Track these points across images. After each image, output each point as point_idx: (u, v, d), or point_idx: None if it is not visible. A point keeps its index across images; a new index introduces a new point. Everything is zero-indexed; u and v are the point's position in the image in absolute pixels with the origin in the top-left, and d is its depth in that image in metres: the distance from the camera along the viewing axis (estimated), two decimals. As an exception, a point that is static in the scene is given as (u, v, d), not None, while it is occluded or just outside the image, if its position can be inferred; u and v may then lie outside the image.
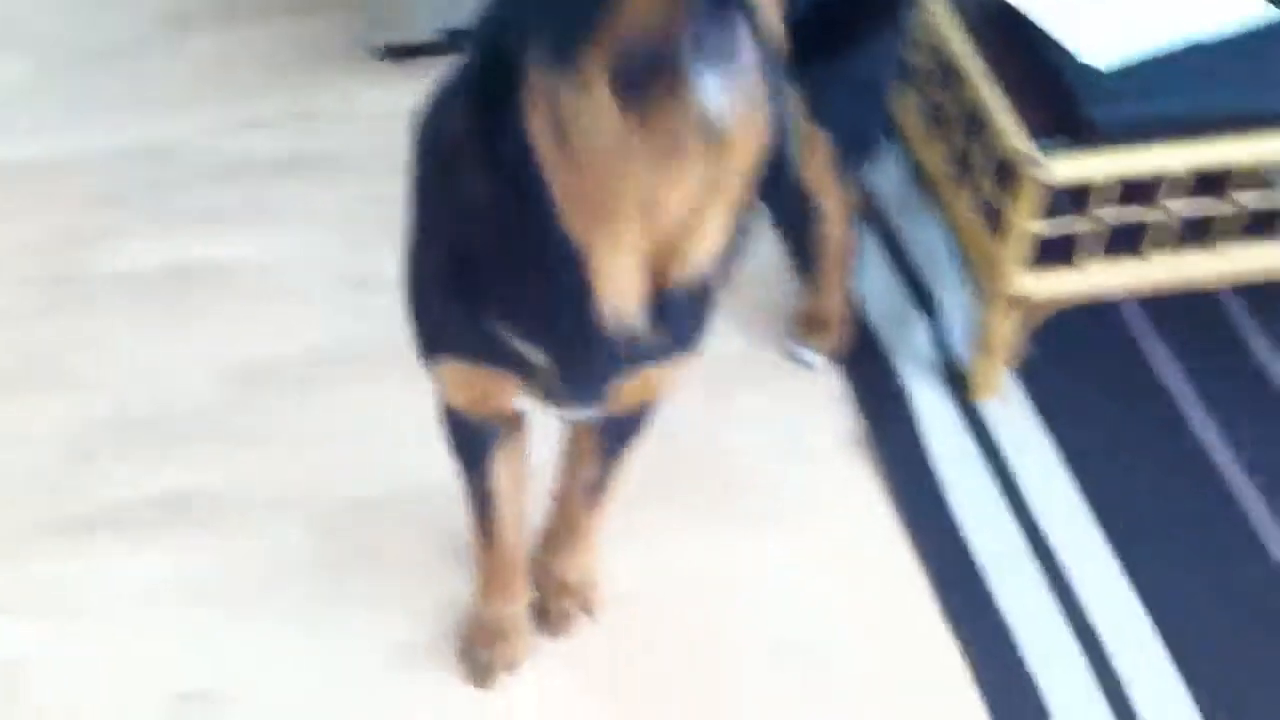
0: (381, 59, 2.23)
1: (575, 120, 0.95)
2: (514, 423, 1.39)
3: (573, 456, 1.49)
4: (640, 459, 1.47)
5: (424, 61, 2.20)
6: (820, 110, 1.58)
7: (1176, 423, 1.78)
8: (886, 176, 2.04)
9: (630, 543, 1.62)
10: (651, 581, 1.62)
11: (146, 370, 1.83)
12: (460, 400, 1.32)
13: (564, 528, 1.57)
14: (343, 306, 1.89)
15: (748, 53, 0.90)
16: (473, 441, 1.40)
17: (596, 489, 1.49)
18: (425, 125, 1.18)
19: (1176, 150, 1.56)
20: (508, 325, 1.16)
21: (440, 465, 1.61)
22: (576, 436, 1.47)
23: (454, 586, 1.62)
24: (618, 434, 1.42)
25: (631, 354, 1.13)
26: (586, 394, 1.22)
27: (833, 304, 1.84)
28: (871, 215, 1.99)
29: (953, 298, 1.89)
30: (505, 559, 1.52)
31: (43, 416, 1.77)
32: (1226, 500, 1.71)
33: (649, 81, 0.90)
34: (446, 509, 1.64)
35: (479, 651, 1.55)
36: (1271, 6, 1.65)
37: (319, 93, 2.20)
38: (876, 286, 1.92)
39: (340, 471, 1.72)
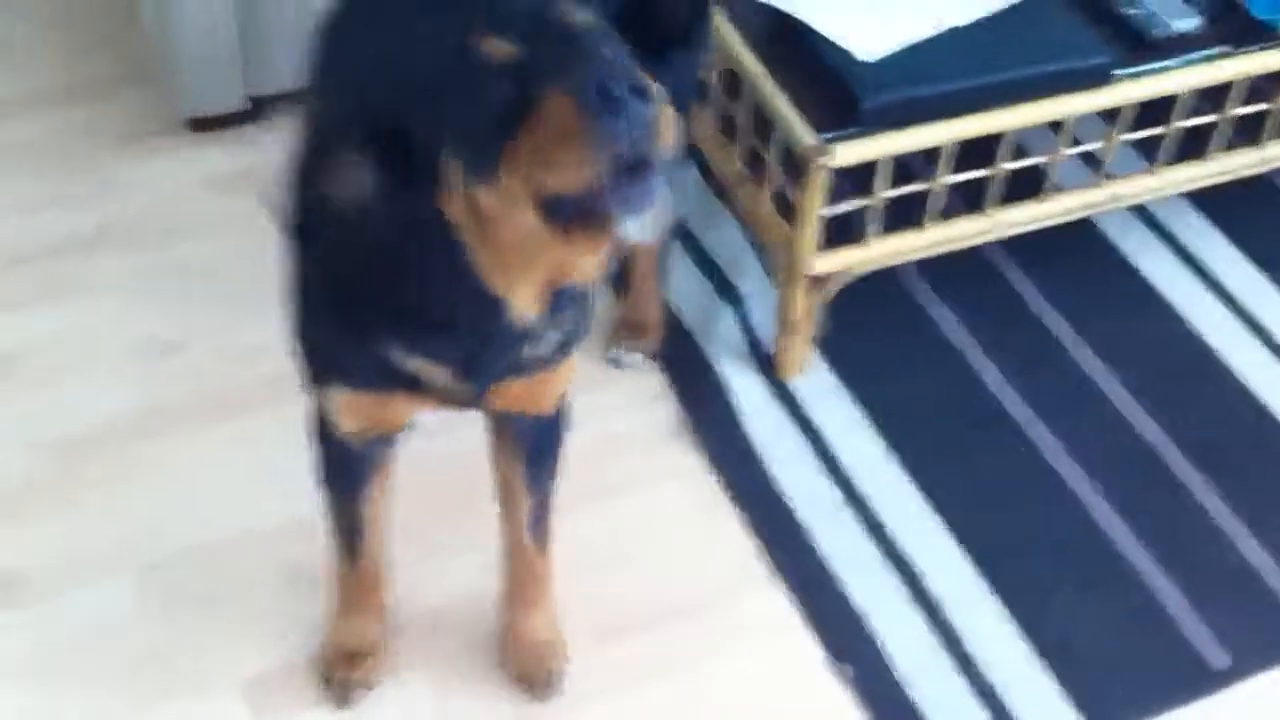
0: (188, 130, 2.25)
1: (494, 215, 1.09)
2: (390, 446, 1.44)
3: (506, 497, 1.54)
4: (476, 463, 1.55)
5: (230, 131, 2.24)
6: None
7: (963, 370, 1.95)
8: (684, 188, 2.17)
9: (481, 538, 1.65)
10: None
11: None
12: (351, 424, 1.37)
13: (525, 579, 1.58)
14: (148, 371, 1.91)
15: (663, 195, 1.05)
16: (349, 472, 1.45)
17: (538, 520, 1.53)
18: (303, 176, 1.21)
19: (938, 127, 1.72)
20: (405, 347, 1.23)
21: (264, 502, 1.74)
22: (500, 474, 1.52)
23: (298, 613, 1.64)
24: (536, 453, 1.48)
25: (525, 357, 1.26)
26: (478, 393, 1.30)
27: (649, 309, 1.94)
28: (674, 224, 2.12)
29: (754, 288, 2.01)
30: (368, 578, 1.56)
31: None
32: (1013, 431, 1.88)
33: (572, 213, 1.06)
34: (276, 542, 1.70)
35: (340, 672, 1.57)
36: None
37: (122, 169, 2.20)
38: (684, 287, 2.02)
39: (165, 525, 1.73)
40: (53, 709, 1.55)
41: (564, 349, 1.32)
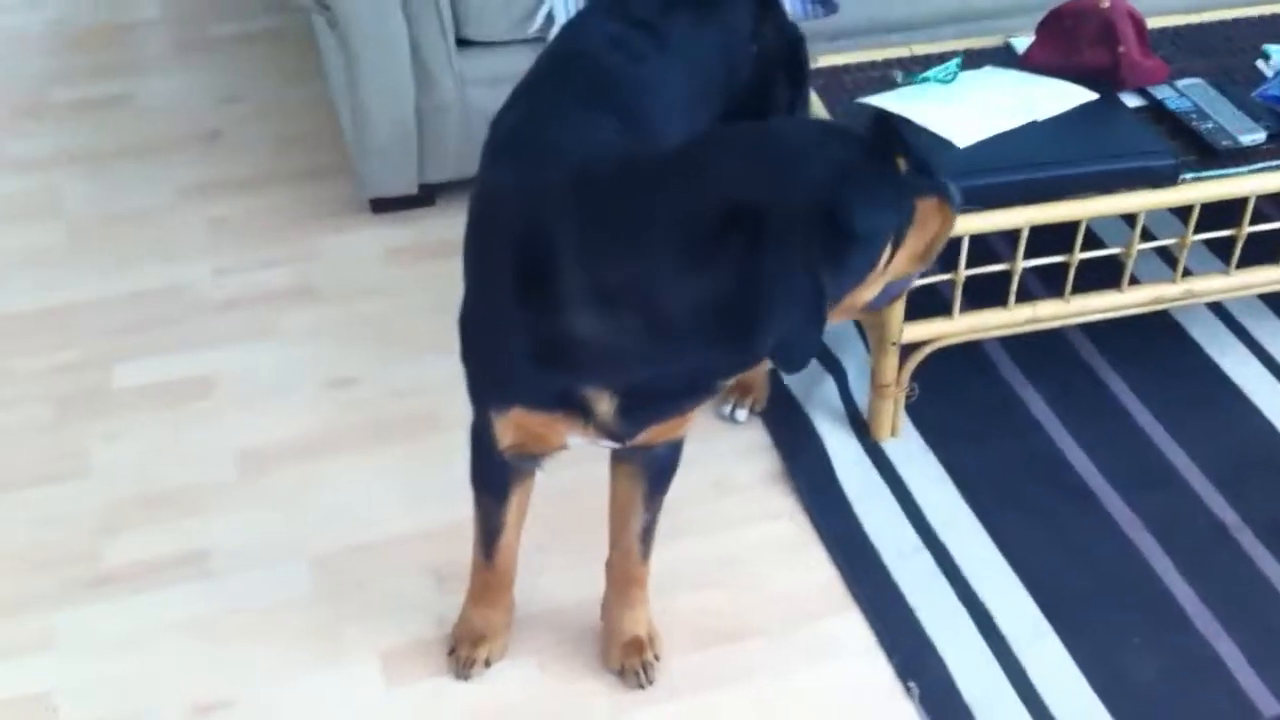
0: (369, 211, 2.63)
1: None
2: (531, 467, 1.69)
3: (621, 512, 1.76)
4: (599, 498, 1.80)
5: (403, 212, 2.62)
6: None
7: (1043, 441, 2.13)
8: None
9: (597, 555, 1.88)
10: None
11: (165, 458, 2.13)
12: (512, 441, 1.60)
13: (626, 582, 1.81)
14: (326, 401, 2.23)
15: None
16: (500, 480, 1.70)
17: (646, 534, 1.77)
18: (494, 247, 1.52)
19: (1014, 212, 1.94)
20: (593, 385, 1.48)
21: (415, 513, 2.02)
22: (619, 493, 1.75)
23: (433, 603, 1.90)
24: (655, 477, 1.71)
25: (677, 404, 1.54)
26: (632, 432, 1.55)
27: (756, 371, 2.17)
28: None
29: (853, 359, 2.24)
30: (499, 576, 1.80)
31: (73, 499, 2.06)
32: (1088, 499, 2.04)
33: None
34: (422, 545, 1.98)
35: (464, 650, 1.82)
36: (1090, 92, 2.08)
37: (315, 240, 2.58)
38: (792, 358, 2.27)
39: (333, 526, 2.02)
40: (226, 660, 1.83)
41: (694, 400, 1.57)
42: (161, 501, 2.06)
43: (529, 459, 1.67)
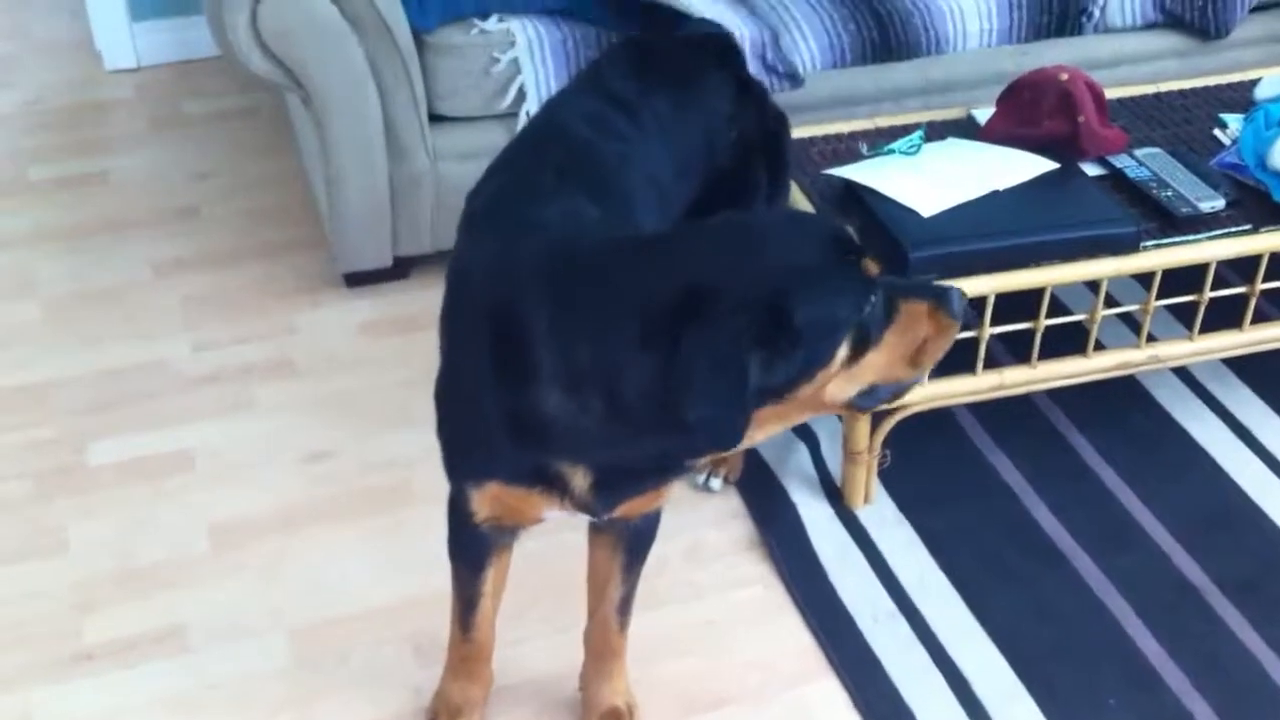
0: (344, 285, 2.65)
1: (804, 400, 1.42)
2: (509, 539, 1.69)
3: (599, 583, 1.77)
4: (576, 565, 1.81)
5: (378, 285, 2.65)
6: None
7: (1014, 505, 2.16)
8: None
9: (574, 623, 1.89)
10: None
11: (142, 534, 2.13)
12: (488, 513, 1.61)
13: (604, 653, 1.82)
14: (302, 474, 2.24)
15: None
16: (477, 550, 1.70)
17: (624, 604, 1.77)
18: (460, 330, 1.55)
19: (979, 280, 1.98)
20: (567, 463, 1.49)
21: (392, 585, 2.03)
22: (597, 563, 1.76)
23: (410, 676, 1.90)
24: (633, 549, 1.72)
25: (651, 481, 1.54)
26: (608, 507, 1.56)
27: (728, 441, 2.21)
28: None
29: (826, 429, 2.27)
30: (477, 648, 1.80)
31: (50, 575, 2.06)
32: (1059, 561, 2.06)
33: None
34: (400, 617, 1.99)
35: None
36: (1051, 162, 2.13)
37: (290, 314, 2.60)
38: (765, 426, 2.30)
39: (310, 598, 2.03)
40: (204, 737, 1.83)
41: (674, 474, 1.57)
42: (139, 577, 2.06)
43: (506, 531, 1.68)
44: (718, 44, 1.96)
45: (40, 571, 2.07)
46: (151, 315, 2.60)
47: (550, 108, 1.85)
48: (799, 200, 2.14)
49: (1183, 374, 2.40)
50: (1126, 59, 2.81)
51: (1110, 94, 2.34)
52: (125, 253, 2.77)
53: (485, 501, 1.61)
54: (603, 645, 1.81)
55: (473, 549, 1.71)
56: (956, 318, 1.43)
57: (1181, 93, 2.47)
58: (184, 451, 2.28)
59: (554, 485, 1.52)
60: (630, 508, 1.60)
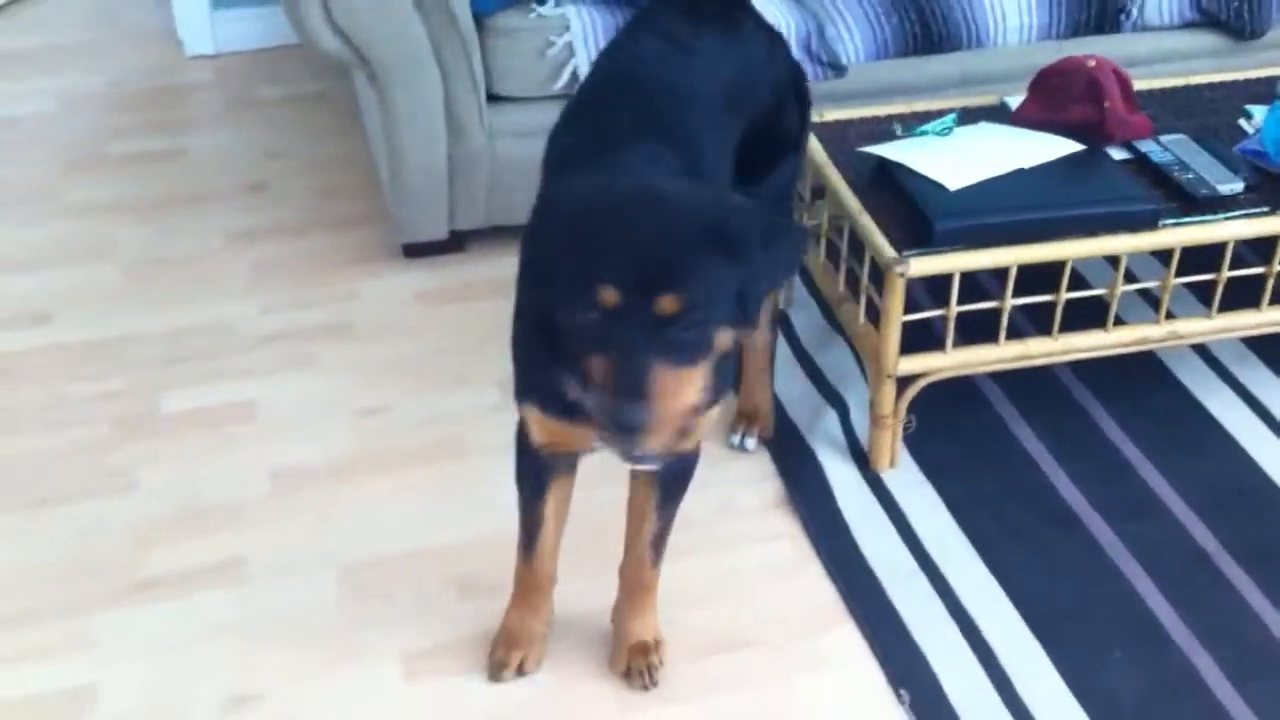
0: (402, 256, 2.79)
1: None
2: (569, 465, 1.82)
3: (637, 519, 1.88)
4: (617, 522, 1.92)
5: (434, 257, 2.78)
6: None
7: (1035, 473, 2.24)
8: (806, 318, 2.58)
9: (607, 569, 1.99)
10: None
11: (205, 477, 2.27)
12: (542, 440, 1.74)
13: (636, 588, 1.92)
14: (356, 427, 2.38)
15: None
16: (536, 475, 1.82)
17: (658, 541, 1.88)
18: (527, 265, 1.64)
19: (1000, 251, 2.07)
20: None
21: (437, 530, 2.15)
22: (636, 501, 1.87)
23: (454, 611, 2.02)
24: (669, 488, 1.83)
25: None
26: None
27: (761, 398, 2.31)
28: (794, 342, 2.51)
29: (856, 397, 2.37)
30: (537, 578, 1.91)
31: (117, 512, 2.20)
32: (1077, 527, 2.14)
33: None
34: (444, 559, 2.10)
35: (499, 653, 1.93)
36: (1077, 144, 2.22)
37: (352, 282, 2.74)
38: (796, 394, 2.40)
39: (360, 539, 2.15)
40: (257, 659, 1.95)
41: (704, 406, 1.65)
42: (201, 516, 2.20)
43: (563, 458, 1.79)
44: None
45: (108, 509, 2.21)
46: (222, 280, 2.76)
47: (614, 53, 1.98)
48: (828, 176, 2.25)
49: (1204, 354, 2.47)
50: (1163, 57, 2.88)
51: (1141, 85, 2.43)
52: (199, 223, 2.93)
53: (540, 429, 1.73)
54: (636, 580, 1.92)
55: (534, 474, 1.83)
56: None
57: (1210, 85, 2.55)
58: (248, 403, 2.43)
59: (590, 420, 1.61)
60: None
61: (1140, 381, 2.40)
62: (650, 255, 1.45)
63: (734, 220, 1.52)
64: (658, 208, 1.51)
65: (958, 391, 2.32)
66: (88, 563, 2.11)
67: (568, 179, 1.76)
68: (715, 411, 1.72)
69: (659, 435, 1.47)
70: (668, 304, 1.43)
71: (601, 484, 1.91)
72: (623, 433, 1.45)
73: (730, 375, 1.80)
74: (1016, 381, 2.35)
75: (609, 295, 1.43)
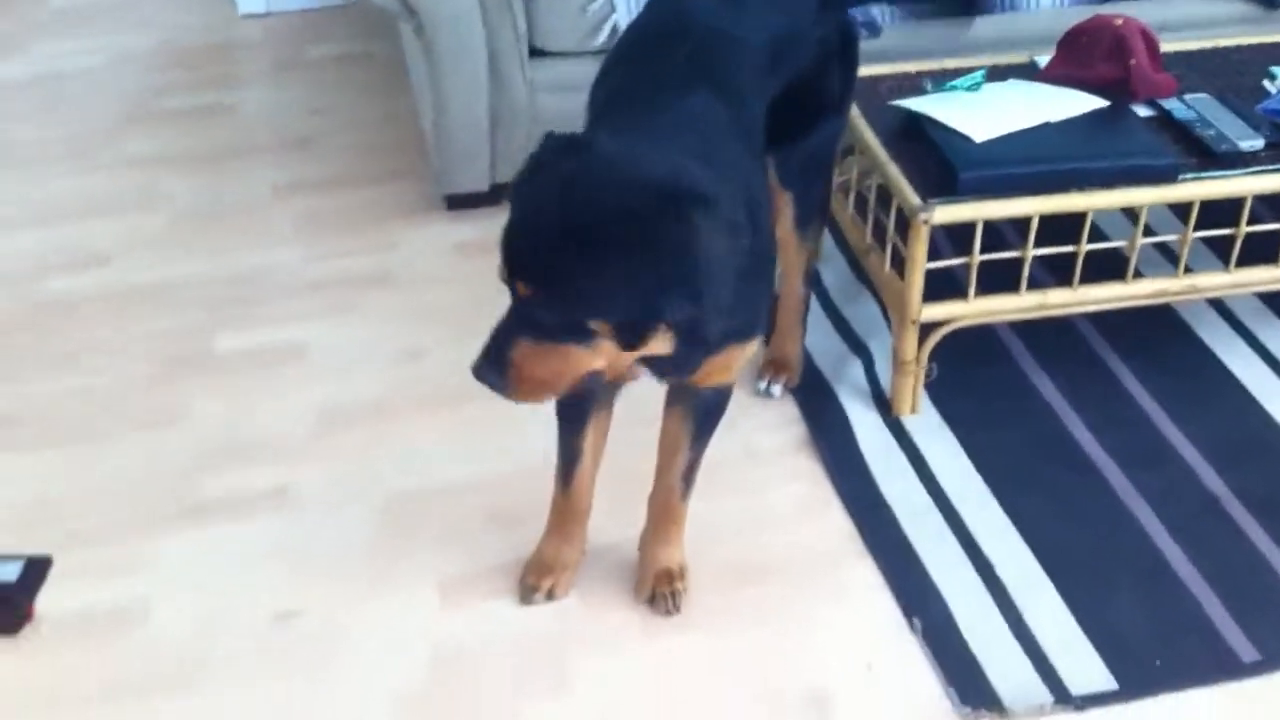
0: (444, 208, 2.89)
1: None
2: (607, 399, 1.90)
3: (669, 450, 1.96)
4: (645, 461, 2.01)
5: (475, 210, 2.87)
6: (786, 177, 2.16)
7: (1052, 420, 2.30)
8: (834, 272, 2.65)
9: (635, 504, 2.08)
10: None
11: (255, 412, 2.38)
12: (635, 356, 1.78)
13: (664, 517, 2.00)
14: (397, 370, 2.47)
15: None
16: (574, 408, 1.90)
17: (688, 472, 1.96)
18: None
19: (1022, 201, 2.13)
20: None
21: (475, 465, 2.25)
22: (668, 432, 1.95)
23: (489, 541, 2.11)
24: (701, 420, 1.91)
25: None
26: (684, 370, 1.76)
27: (791, 349, 2.39)
28: (823, 294, 2.58)
29: (881, 348, 2.44)
30: (573, 507, 2.00)
31: (173, 442, 2.32)
32: (1090, 472, 2.21)
33: None
34: (482, 492, 2.20)
35: (531, 577, 2.02)
36: (1102, 100, 2.27)
37: (394, 233, 2.84)
38: (824, 344, 2.47)
39: (402, 473, 2.25)
40: (301, 579, 2.06)
41: (726, 340, 1.73)
42: (251, 447, 2.30)
43: (600, 391, 1.86)
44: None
45: (164, 439, 2.33)
46: (268, 229, 2.86)
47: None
48: (858, 127, 2.32)
49: (1221, 310, 2.52)
50: (1194, 23, 2.91)
51: (1169, 48, 2.47)
52: (247, 175, 3.04)
53: None
54: (664, 510, 2.00)
55: (571, 408, 1.90)
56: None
57: (1237, 48, 2.58)
58: (295, 345, 2.53)
59: None
60: (706, 372, 1.78)
61: (1158, 335, 2.46)
62: (517, 240, 1.56)
63: (648, 220, 1.50)
64: (561, 194, 1.53)
65: (980, 343, 2.39)
66: (144, 489, 2.22)
67: (620, 111, 1.83)
68: (750, 348, 1.81)
69: (517, 395, 1.61)
70: (520, 287, 1.56)
71: (633, 425, 2.00)
72: (484, 385, 1.61)
73: (763, 318, 1.87)
74: (1037, 333, 2.42)
75: (499, 268, 1.58)
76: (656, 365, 1.74)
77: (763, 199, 1.84)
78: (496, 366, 1.59)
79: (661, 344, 1.61)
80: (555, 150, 1.61)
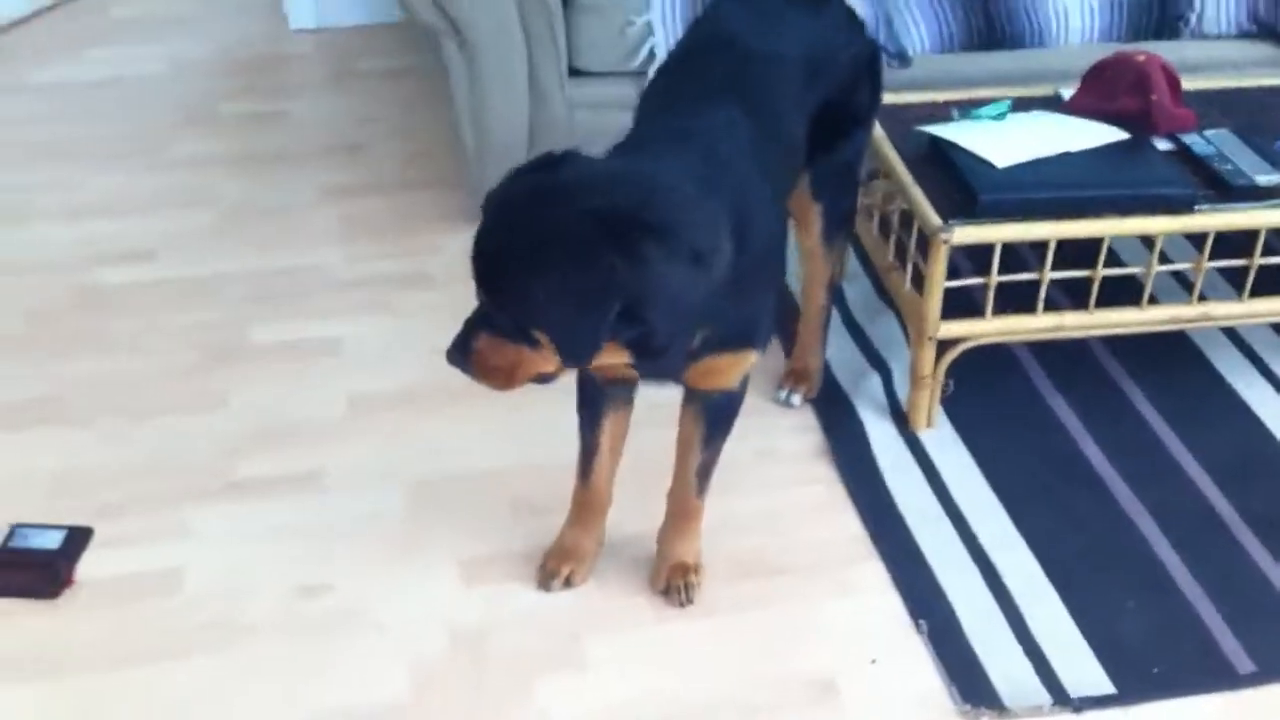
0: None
1: None
2: (624, 395, 1.99)
3: (685, 448, 2.03)
4: (668, 459, 2.08)
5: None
6: (816, 188, 2.25)
7: (1064, 438, 2.37)
8: (859, 290, 2.73)
9: (654, 498, 2.15)
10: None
11: (290, 400, 2.47)
12: (592, 368, 1.88)
13: (681, 513, 2.08)
14: (430, 363, 2.50)
15: None
16: (594, 402, 2.00)
17: (704, 471, 2.03)
18: None
19: (1040, 225, 2.20)
20: None
21: (502, 453, 2.33)
22: (684, 431, 2.01)
23: (513, 526, 2.19)
24: (713, 422, 1.98)
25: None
26: (667, 376, 1.88)
27: (812, 360, 2.46)
28: (846, 311, 2.66)
29: (900, 364, 2.50)
30: (593, 498, 2.08)
31: (210, 425, 2.41)
32: (1099, 488, 2.26)
33: None
34: (507, 479, 2.28)
35: (551, 563, 2.10)
36: (1121, 132, 2.34)
37: (432, 237, 2.94)
38: (845, 358, 2.55)
39: (430, 459, 2.34)
40: (329, 555, 2.14)
41: (712, 348, 1.82)
42: (285, 432, 2.39)
43: (615, 386, 1.96)
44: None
45: (202, 422, 2.42)
46: (312, 229, 2.97)
47: (711, 20, 2.15)
48: (884, 151, 2.40)
49: (1235, 338, 2.58)
50: (1218, 65, 2.98)
51: (1192, 85, 2.54)
52: (294, 179, 3.15)
53: None
54: (681, 506, 2.07)
55: (590, 401, 2.00)
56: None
57: (1260, 88, 2.65)
58: (331, 339, 2.62)
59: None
60: (697, 376, 1.87)
61: (1171, 359, 2.52)
62: (477, 247, 1.69)
63: (587, 246, 1.59)
64: (518, 210, 1.66)
65: (997, 362, 2.46)
66: (182, 466, 2.32)
67: (652, 125, 1.94)
68: (748, 358, 1.89)
69: (480, 380, 1.76)
70: (478, 292, 1.71)
71: (658, 425, 2.07)
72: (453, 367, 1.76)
73: (762, 329, 1.91)
74: (1052, 354, 2.49)
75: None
76: (640, 369, 1.84)
77: (769, 215, 1.89)
78: (462, 353, 1.74)
79: (613, 356, 1.71)
80: (532, 165, 1.73)
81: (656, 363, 1.78)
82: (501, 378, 1.74)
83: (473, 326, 1.73)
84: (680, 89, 2.01)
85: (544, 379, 1.75)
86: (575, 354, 1.69)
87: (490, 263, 1.68)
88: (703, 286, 1.68)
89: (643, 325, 1.65)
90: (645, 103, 2.07)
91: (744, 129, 1.89)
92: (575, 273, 1.60)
